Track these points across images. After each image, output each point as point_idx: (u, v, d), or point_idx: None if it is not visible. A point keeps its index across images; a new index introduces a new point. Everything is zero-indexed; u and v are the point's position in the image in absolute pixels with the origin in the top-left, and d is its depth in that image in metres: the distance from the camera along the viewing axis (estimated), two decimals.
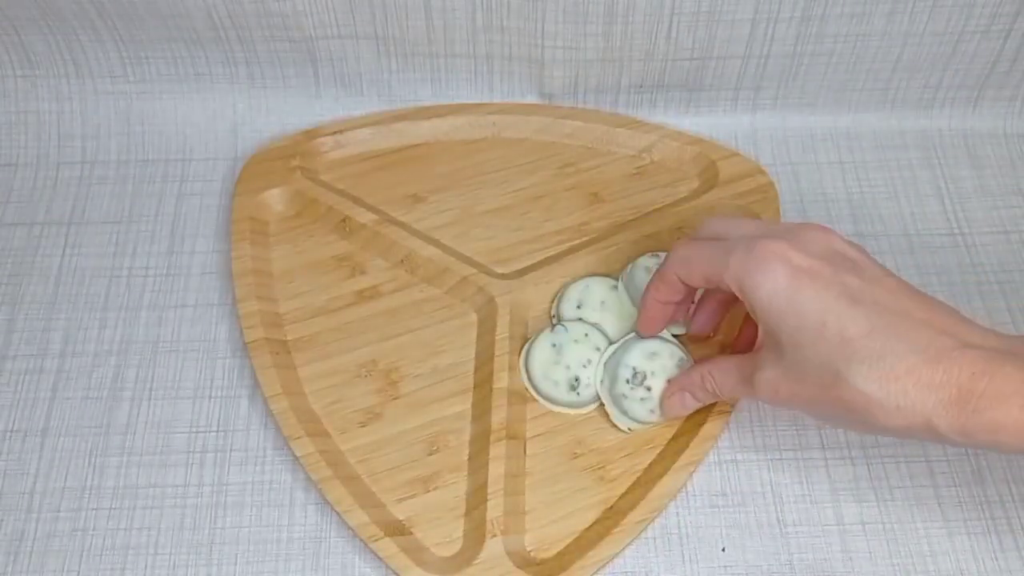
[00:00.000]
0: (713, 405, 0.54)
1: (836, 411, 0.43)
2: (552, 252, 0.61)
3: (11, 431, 0.55)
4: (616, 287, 0.57)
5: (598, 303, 0.57)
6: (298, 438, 0.52)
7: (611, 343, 0.55)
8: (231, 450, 0.55)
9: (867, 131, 0.68)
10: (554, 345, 0.55)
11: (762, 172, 0.64)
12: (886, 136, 0.68)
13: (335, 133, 0.65)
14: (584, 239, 0.61)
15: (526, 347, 0.56)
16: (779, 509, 0.53)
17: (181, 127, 0.67)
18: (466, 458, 0.53)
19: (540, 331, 0.56)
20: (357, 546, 0.52)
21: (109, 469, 0.54)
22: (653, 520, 0.51)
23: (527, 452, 0.54)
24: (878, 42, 0.64)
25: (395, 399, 0.55)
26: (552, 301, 0.58)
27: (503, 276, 0.59)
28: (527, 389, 0.55)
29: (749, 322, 0.54)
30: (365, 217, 0.61)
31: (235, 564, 0.51)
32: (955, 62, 0.65)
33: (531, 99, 0.67)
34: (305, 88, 0.67)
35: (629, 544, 0.51)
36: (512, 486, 0.52)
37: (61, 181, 0.65)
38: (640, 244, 0.60)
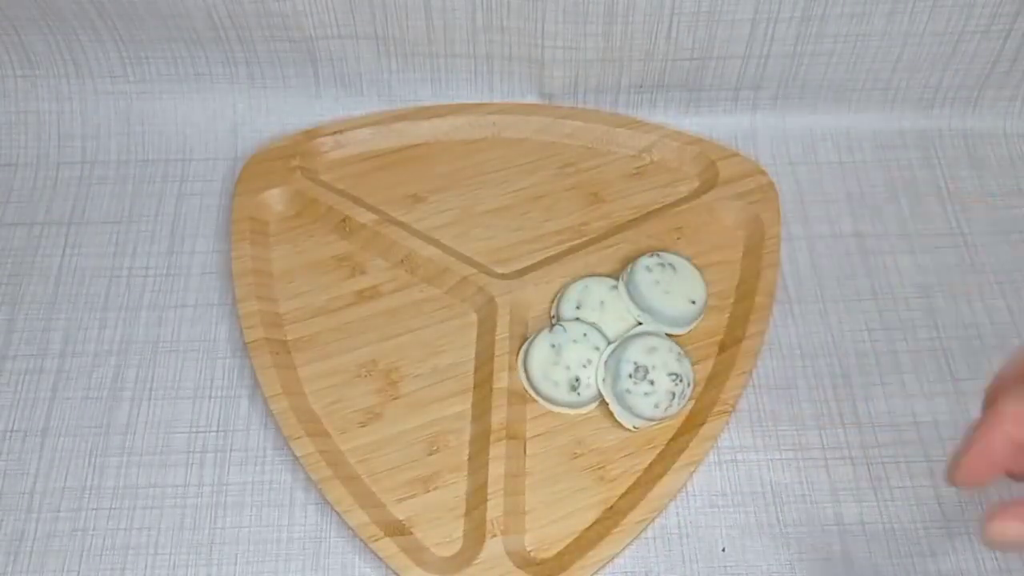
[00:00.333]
0: (713, 405, 0.54)
1: None
2: (552, 252, 0.61)
3: (11, 431, 0.55)
4: (616, 287, 0.57)
5: (597, 303, 0.57)
6: (298, 438, 0.52)
7: (610, 343, 0.55)
8: (231, 450, 0.55)
9: (867, 131, 0.68)
10: (553, 345, 0.55)
11: (762, 172, 0.64)
12: (886, 136, 0.68)
13: (335, 133, 0.65)
14: (584, 239, 0.61)
15: (524, 348, 0.56)
16: (779, 509, 0.53)
17: (181, 127, 0.67)
18: (466, 458, 0.53)
19: (538, 332, 0.56)
20: (357, 546, 0.52)
21: (109, 469, 0.54)
22: (653, 520, 0.51)
23: (527, 452, 0.54)
24: (878, 42, 0.64)
25: (395, 399, 0.55)
26: (552, 301, 0.58)
27: (503, 276, 0.59)
28: (526, 390, 0.55)
29: None
30: (365, 217, 0.61)
31: (235, 564, 0.51)
32: (955, 62, 0.65)
33: (531, 99, 0.67)
34: (305, 88, 0.67)
35: (629, 544, 0.51)
36: (512, 486, 0.52)
37: (61, 181, 0.65)
38: (640, 244, 0.60)
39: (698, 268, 0.58)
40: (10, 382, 0.57)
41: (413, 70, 0.66)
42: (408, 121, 0.65)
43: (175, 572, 0.51)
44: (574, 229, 0.62)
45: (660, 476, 0.52)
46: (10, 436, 0.55)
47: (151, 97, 0.67)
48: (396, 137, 0.65)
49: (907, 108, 0.68)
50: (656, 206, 0.63)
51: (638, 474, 0.53)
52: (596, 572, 0.50)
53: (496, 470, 0.52)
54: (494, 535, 0.50)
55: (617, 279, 0.58)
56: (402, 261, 0.60)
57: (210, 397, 0.56)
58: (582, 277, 0.58)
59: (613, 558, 0.50)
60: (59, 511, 0.53)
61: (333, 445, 0.53)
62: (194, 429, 0.55)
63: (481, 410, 0.54)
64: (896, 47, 0.64)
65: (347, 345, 0.57)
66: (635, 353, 0.53)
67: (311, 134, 0.64)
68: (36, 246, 0.62)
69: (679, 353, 0.54)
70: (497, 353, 0.55)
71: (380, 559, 0.50)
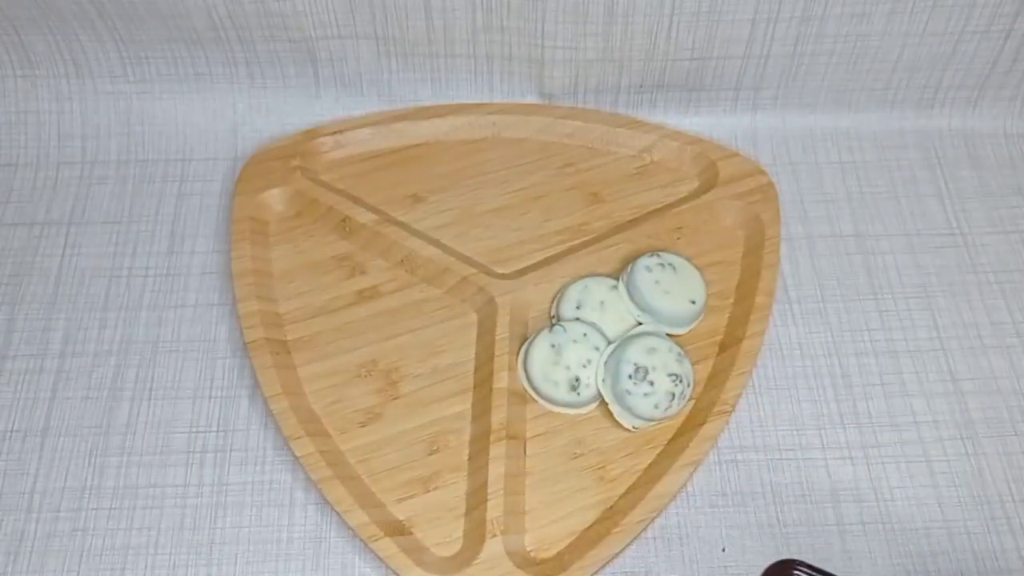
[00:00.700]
0: (713, 405, 0.54)
1: None
2: (552, 252, 0.61)
3: (11, 431, 0.55)
4: (616, 287, 0.57)
5: (597, 303, 0.57)
6: (298, 438, 0.52)
7: (609, 343, 0.55)
8: (231, 450, 0.55)
9: (867, 131, 0.68)
10: (553, 346, 0.55)
11: (762, 172, 0.64)
12: (886, 136, 0.68)
13: (335, 133, 0.65)
14: (584, 239, 0.61)
15: (524, 348, 0.56)
16: (779, 509, 0.53)
17: (181, 127, 0.67)
18: (466, 458, 0.53)
19: (538, 332, 0.56)
20: (357, 546, 0.52)
21: (109, 469, 0.54)
22: (653, 520, 0.51)
23: (527, 452, 0.54)
24: (878, 42, 0.64)
25: (395, 399, 0.55)
26: (552, 301, 0.58)
27: (503, 276, 0.59)
28: (526, 390, 0.55)
29: None
30: (365, 217, 0.61)
31: (235, 564, 0.51)
32: (955, 62, 0.65)
33: (531, 99, 0.67)
34: (305, 88, 0.67)
35: (629, 544, 0.51)
36: (512, 486, 0.52)
37: (61, 181, 0.65)
38: (640, 244, 0.60)
39: (698, 268, 0.58)
40: (10, 382, 0.57)
41: (413, 70, 0.66)
42: (408, 121, 0.65)
43: (175, 572, 0.51)
44: (574, 229, 0.62)
45: (660, 476, 0.52)
46: (10, 436, 0.55)
47: (151, 97, 0.67)
48: (396, 137, 0.65)
49: (907, 108, 0.68)
50: (656, 206, 0.63)
51: (638, 474, 0.53)
52: (596, 572, 0.50)
53: (496, 470, 0.52)
54: (494, 535, 0.50)
55: (617, 279, 0.58)
56: (402, 261, 0.60)
57: (210, 397, 0.56)
58: (582, 277, 0.58)
59: (613, 558, 0.50)
60: (59, 511, 0.53)
61: (333, 445, 0.53)
62: (194, 429, 0.55)
63: (481, 410, 0.54)
64: (896, 47, 0.64)
65: (347, 345, 0.57)
66: (635, 354, 0.53)
67: (311, 134, 0.64)
68: (36, 246, 0.62)
69: (679, 353, 0.54)
70: (497, 353, 0.55)
71: (380, 559, 0.50)
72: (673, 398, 0.53)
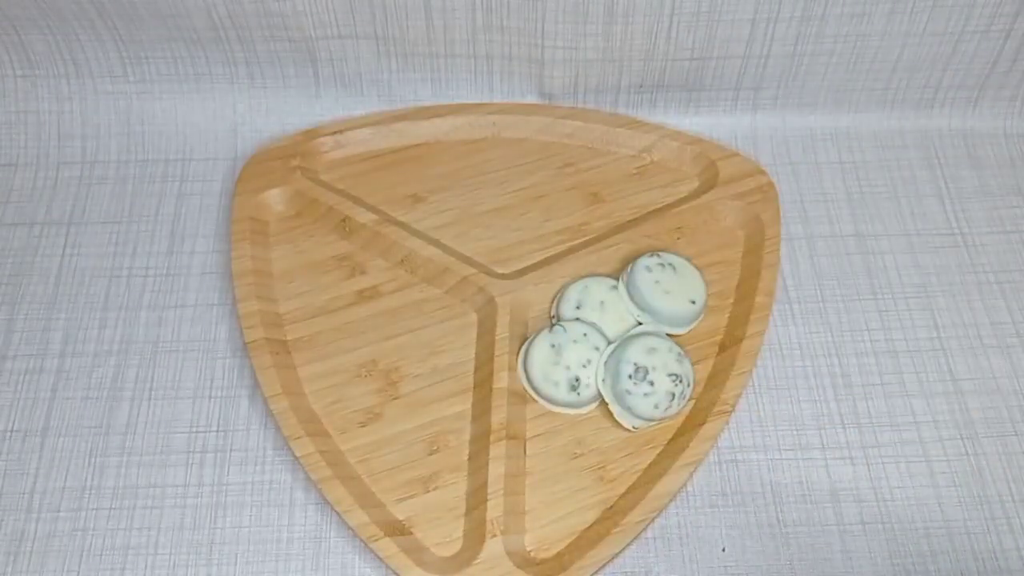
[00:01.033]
0: (713, 405, 0.54)
1: None
2: (552, 252, 0.61)
3: (11, 431, 0.55)
4: (616, 287, 0.57)
5: (597, 303, 0.57)
6: (298, 438, 0.52)
7: (609, 343, 0.55)
8: (231, 450, 0.55)
9: (867, 131, 0.68)
10: (553, 346, 0.55)
11: (762, 172, 0.64)
12: (886, 136, 0.68)
13: (335, 133, 0.65)
14: (584, 239, 0.61)
15: (524, 348, 0.56)
16: (779, 509, 0.53)
17: (181, 127, 0.67)
18: (466, 458, 0.53)
19: (538, 332, 0.56)
20: (357, 546, 0.52)
21: (109, 469, 0.54)
22: (653, 520, 0.51)
23: (527, 452, 0.54)
24: (878, 42, 0.64)
25: (395, 399, 0.55)
26: (552, 301, 0.58)
27: (503, 276, 0.59)
28: (526, 390, 0.55)
29: None
30: (365, 217, 0.61)
31: (235, 564, 0.51)
32: (955, 62, 0.65)
33: (531, 99, 0.67)
34: (305, 88, 0.67)
35: (629, 544, 0.51)
36: (512, 486, 0.52)
37: (61, 181, 0.65)
38: (640, 244, 0.60)
39: (698, 268, 0.58)
40: (10, 382, 0.57)
41: (413, 70, 0.66)
42: (408, 121, 0.65)
43: (175, 572, 0.51)
44: (574, 229, 0.62)
45: (660, 476, 0.52)
46: (10, 436, 0.55)
47: (151, 97, 0.67)
48: (396, 137, 0.65)
49: (907, 108, 0.68)
50: (656, 206, 0.63)
51: (638, 474, 0.53)
52: (596, 572, 0.50)
53: (496, 470, 0.52)
54: (494, 535, 0.50)
55: (617, 279, 0.58)
56: (402, 261, 0.60)
57: (210, 397, 0.56)
58: (582, 277, 0.58)
59: (613, 558, 0.50)
60: (59, 511, 0.53)
61: (333, 445, 0.53)
62: (194, 429, 0.55)
63: (481, 410, 0.54)
64: (896, 47, 0.64)
65: (347, 345, 0.57)
66: (635, 354, 0.53)
67: (311, 134, 0.64)
68: (36, 246, 0.62)
69: (679, 353, 0.54)
70: (497, 353, 0.55)
71: (380, 559, 0.50)
72: (673, 398, 0.53)
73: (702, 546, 0.52)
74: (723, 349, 0.57)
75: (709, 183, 0.63)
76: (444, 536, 0.51)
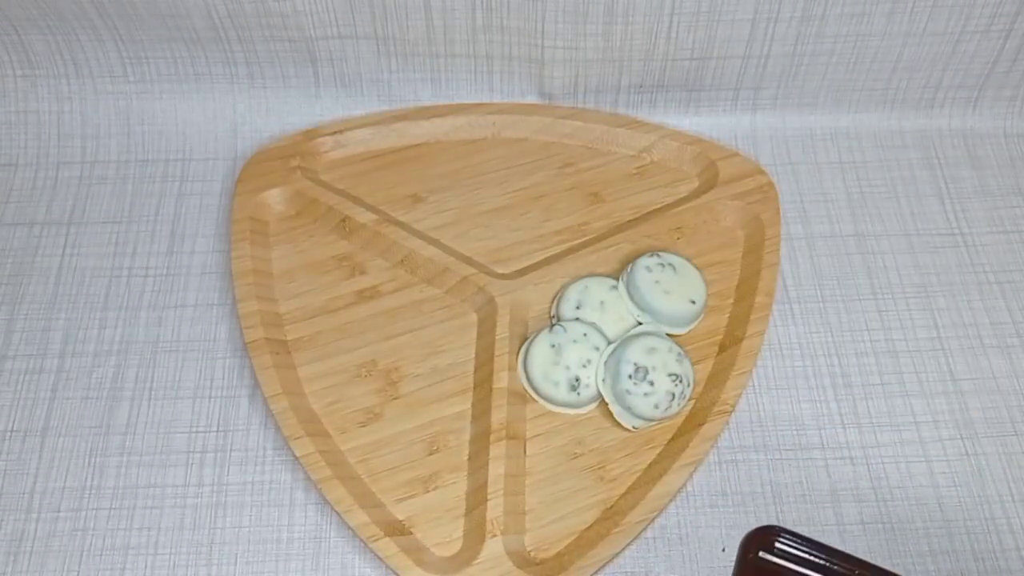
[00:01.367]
0: (713, 405, 0.54)
1: None
2: (552, 252, 0.61)
3: (11, 431, 0.55)
4: (616, 287, 0.57)
5: (597, 303, 0.57)
6: (298, 438, 0.52)
7: (610, 343, 0.55)
8: (231, 450, 0.55)
9: (867, 131, 0.68)
10: (553, 346, 0.55)
11: (762, 172, 0.64)
12: (886, 136, 0.68)
13: (335, 133, 0.65)
14: (584, 239, 0.61)
15: (524, 348, 0.56)
16: (779, 509, 0.53)
17: (181, 127, 0.67)
18: (466, 458, 0.53)
19: (538, 332, 0.56)
20: (357, 546, 0.52)
21: (109, 469, 0.54)
22: (653, 520, 0.51)
23: (527, 452, 0.54)
24: (878, 42, 0.64)
25: (395, 399, 0.55)
26: (552, 301, 0.58)
27: (503, 276, 0.59)
28: (526, 390, 0.55)
29: None
30: (365, 217, 0.61)
31: (235, 564, 0.51)
32: (955, 62, 0.65)
33: (531, 99, 0.67)
34: (305, 88, 0.67)
35: (629, 544, 0.51)
36: (512, 486, 0.52)
37: (61, 181, 0.65)
38: (640, 244, 0.60)
39: (698, 268, 0.58)
40: (10, 382, 0.57)
41: (413, 70, 0.66)
42: (408, 121, 0.65)
43: (175, 572, 0.51)
44: (574, 229, 0.62)
45: (660, 476, 0.52)
46: (10, 436, 0.55)
47: (151, 97, 0.67)
48: (396, 137, 0.65)
49: (907, 108, 0.68)
50: (656, 206, 0.63)
51: (638, 474, 0.53)
52: (596, 572, 0.50)
53: (496, 470, 0.52)
54: (494, 535, 0.50)
55: (617, 279, 0.58)
56: (402, 261, 0.60)
57: (210, 397, 0.56)
58: (582, 277, 0.58)
59: (613, 558, 0.50)
60: (59, 511, 0.53)
61: (333, 445, 0.53)
62: (194, 429, 0.55)
63: (481, 410, 0.54)
64: (896, 47, 0.64)
65: (347, 345, 0.57)
66: (635, 353, 0.53)
67: (311, 134, 0.64)
68: (36, 246, 0.62)
69: (679, 353, 0.54)
70: (497, 353, 0.55)
71: (380, 559, 0.50)
72: (673, 398, 0.53)
73: (702, 546, 0.52)
74: (723, 349, 0.57)
75: (709, 183, 0.63)
76: (444, 536, 0.51)
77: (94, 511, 0.53)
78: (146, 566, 0.51)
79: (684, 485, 0.53)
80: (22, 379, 0.57)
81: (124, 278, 0.61)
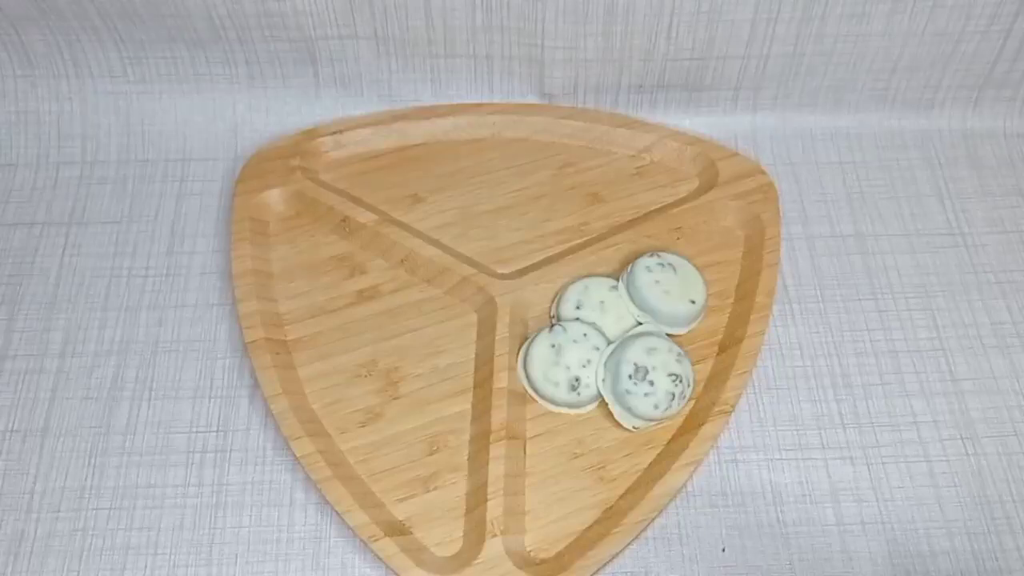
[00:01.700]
0: (713, 405, 0.54)
1: None
2: (552, 252, 0.61)
3: (11, 431, 0.55)
4: (615, 287, 0.57)
5: (597, 303, 0.57)
6: (298, 438, 0.52)
7: (609, 343, 0.55)
8: (231, 450, 0.55)
9: (867, 131, 0.68)
10: (553, 346, 0.55)
11: (762, 172, 0.64)
12: (886, 136, 0.68)
13: (335, 133, 0.65)
14: (584, 239, 0.61)
15: (524, 348, 0.56)
16: (779, 509, 0.53)
17: (181, 127, 0.67)
18: (466, 458, 0.53)
19: (538, 332, 0.56)
20: (357, 546, 0.52)
21: (109, 469, 0.54)
22: (653, 520, 0.51)
23: (527, 452, 0.54)
24: (878, 42, 0.64)
25: (395, 399, 0.55)
26: (552, 301, 0.58)
27: (503, 276, 0.59)
28: (526, 390, 0.55)
29: None
30: (365, 217, 0.61)
31: (235, 564, 0.51)
32: (955, 62, 0.65)
33: (531, 99, 0.67)
34: (305, 88, 0.67)
35: (629, 544, 0.51)
36: (512, 486, 0.52)
37: (61, 181, 0.65)
38: (640, 244, 0.60)
39: (698, 268, 0.58)
40: (10, 382, 0.57)
41: (413, 70, 0.66)
42: (408, 121, 0.65)
43: (175, 572, 0.51)
44: (574, 229, 0.62)
45: (660, 476, 0.52)
46: (10, 436, 0.55)
47: (151, 97, 0.67)
48: (396, 137, 0.65)
49: (907, 108, 0.68)
50: (656, 206, 0.63)
51: (638, 474, 0.53)
52: (596, 572, 0.50)
53: (496, 470, 0.52)
54: (494, 535, 0.50)
55: (617, 279, 0.58)
56: (402, 261, 0.60)
57: (210, 397, 0.56)
58: (582, 277, 0.58)
59: (613, 558, 0.50)
60: (59, 511, 0.53)
61: (333, 445, 0.53)
62: (194, 429, 0.55)
63: (481, 410, 0.54)
64: (896, 47, 0.64)
65: (347, 345, 0.57)
66: (635, 354, 0.53)
67: (311, 134, 0.64)
68: (36, 246, 0.62)
69: (679, 353, 0.54)
70: (497, 353, 0.55)
71: (380, 559, 0.50)
72: (673, 398, 0.53)
73: (702, 546, 0.52)
74: (723, 349, 0.57)
75: (709, 183, 0.63)
76: (444, 536, 0.51)
77: (94, 511, 0.53)
78: (146, 566, 0.51)
79: (684, 485, 0.53)
80: (22, 379, 0.57)
81: (124, 278, 0.61)
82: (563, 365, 0.54)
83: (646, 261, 0.57)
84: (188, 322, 0.59)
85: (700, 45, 0.63)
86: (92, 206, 0.64)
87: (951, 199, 0.65)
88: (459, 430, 0.54)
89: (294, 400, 0.54)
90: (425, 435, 0.54)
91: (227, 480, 0.54)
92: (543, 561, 0.50)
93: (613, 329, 0.56)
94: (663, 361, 0.53)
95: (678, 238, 0.61)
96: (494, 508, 0.51)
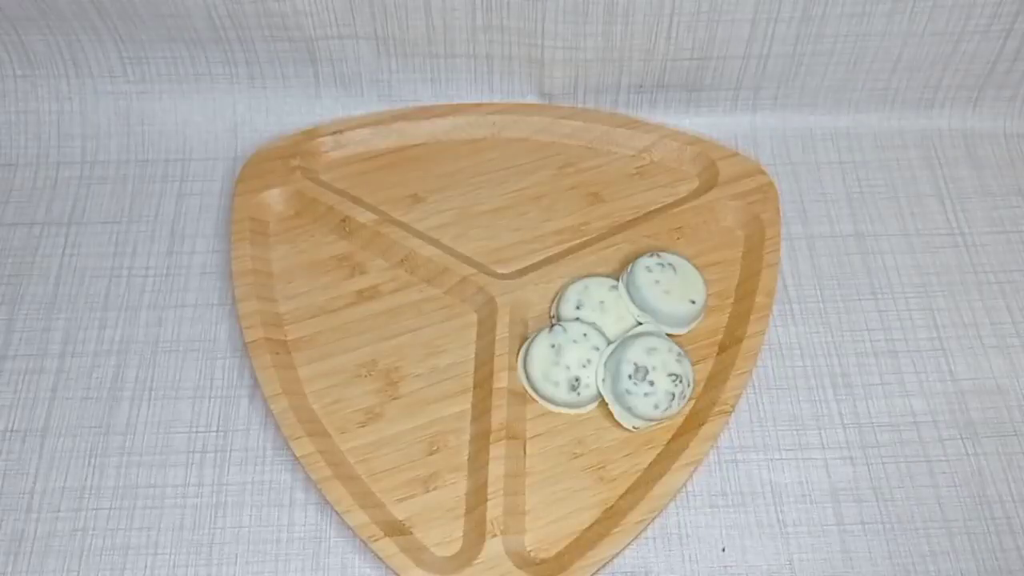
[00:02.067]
0: (713, 405, 0.54)
1: None
2: (552, 252, 0.61)
3: (11, 431, 0.55)
4: (616, 287, 0.57)
5: (597, 303, 0.57)
6: (298, 438, 0.52)
7: (610, 343, 0.55)
8: (231, 450, 0.55)
9: (867, 131, 0.68)
10: (553, 346, 0.55)
11: (762, 172, 0.64)
12: (886, 136, 0.68)
13: (335, 133, 0.65)
14: (584, 239, 0.61)
15: (524, 348, 0.56)
16: (779, 509, 0.53)
17: (181, 127, 0.67)
18: (466, 458, 0.53)
19: (538, 332, 0.56)
20: (357, 546, 0.52)
21: (109, 469, 0.54)
22: (653, 520, 0.51)
23: (527, 452, 0.54)
24: (878, 42, 0.64)
25: (395, 399, 0.55)
26: (552, 301, 0.58)
27: (503, 276, 0.59)
28: (526, 390, 0.55)
29: None
30: (365, 217, 0.61)
31: (235, 564, 0.51)
32: (955, 62, 0.65)
33: (531, 99, 0.67)
34: (305, 88, 0.67)
35: (629, 544, 0.51)
36: (512, 486, 0.52)
37: (61, 181, 0.65)
38: (640, 244, 0.60)
39: (698, 268, 0.58)
40: (10, 382, 0.57)
41: (413, 70, 0.66)
42: (408, 121, 0.65)
43: (175, 572, 0.51)
44: (574, 229, 0.62)
45: (660, 476, 0.52)
46: (10, 436, 0.55)
47: (151, 97, 0.67)
48: (396, 137, 0.65)
49: (907, 108, 0.68)
50: (656, 206, 0.63)
51: (638, 474, 0.53)
52: (596, 572, 0.50)
53: (496, 470, 0.52)
54: (494, 535, 0.50)
55: (617, 279, 0.58)
56: (402, 261, 0.60)
57: (210, 397, 0.56)
58: (582, 277, 0.58)
59: (613, 558, 0.50)
60: (59, 511, 0.53)
61: (333, 445, 0.53)
62: (194, 429, 0.55)
63: (481, 410, 0.54)
64: (896, 47, 0.64)
65: (347, 345, 0.57)
66: (635, 354, 0.53)
67: (311, 134, 0.64)
68: (36, 246, 0.62)
69: (679, 353, 0.54)
70: (497, 353, 0.55)
71: (380, 559, 0.50)
72: (673, 398, 0.53)
73: (702, 546, 0.52)
74: (723, 349, 0.57)
75: (709, 183, 0.63)
76: (444, 536, 0.51)
77: (94, 511, 0.53)
78: (146, 566, 0.51)
79: (684, 485, 0.53)
80: (22, 379, 0.57)
81: (124, 278, 0.61)
82: (563, 365, 0.54)
83: (646, 261, 0.57)
84: (188, 322, 0.59)
85: (700, 45, 0.63)
86: (92, 206, 0.64)
87: (951, 199, 0.65)
88: (459, 430, 0.54)
89: (294, 400, 0.54)
90: (425, 435, 0.54)
91: (227, 480, 0.54)
92: (543, 561, 0.50)
93: (613, 329, 0.56)
94: (663, 361, 0.53)
95: (678, 238, 0.61)
96: (494, 508, 0.51)
